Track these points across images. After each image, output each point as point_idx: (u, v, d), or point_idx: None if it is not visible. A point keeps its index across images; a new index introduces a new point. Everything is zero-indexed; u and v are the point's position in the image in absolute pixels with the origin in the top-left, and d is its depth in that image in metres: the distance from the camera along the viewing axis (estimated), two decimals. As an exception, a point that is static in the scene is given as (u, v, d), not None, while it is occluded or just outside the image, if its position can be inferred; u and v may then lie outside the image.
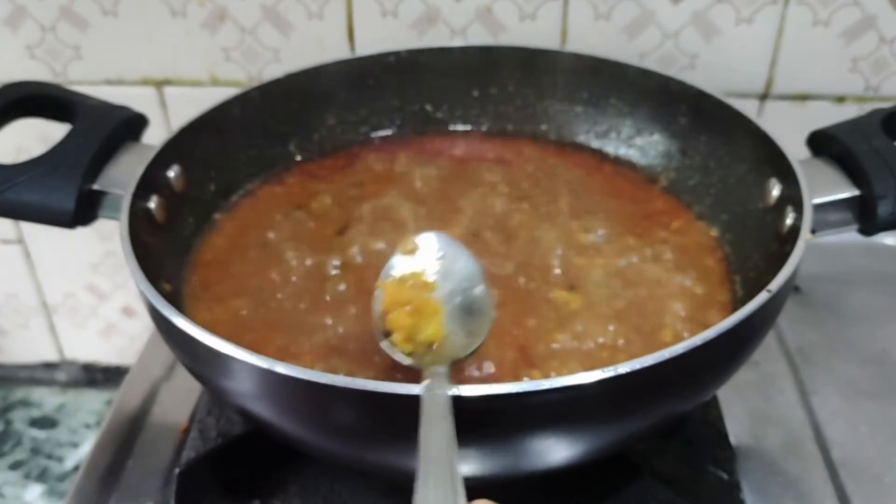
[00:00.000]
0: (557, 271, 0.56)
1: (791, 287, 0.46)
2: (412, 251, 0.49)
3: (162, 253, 0.54)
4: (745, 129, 0.58)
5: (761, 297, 0.42)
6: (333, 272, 0.56)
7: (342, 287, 0.55)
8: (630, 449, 0.54)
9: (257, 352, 0.39)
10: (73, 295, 0.96)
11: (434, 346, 0.44)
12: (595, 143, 0.70)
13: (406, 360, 0.44)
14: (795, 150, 0.55)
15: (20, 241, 0.91)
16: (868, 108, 0.61)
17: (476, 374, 0.48)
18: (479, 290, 0.47)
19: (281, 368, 0.38)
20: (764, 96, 0.76)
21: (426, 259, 0.48)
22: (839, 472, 0.56)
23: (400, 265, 0.48)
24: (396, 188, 0.64)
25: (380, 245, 0.58)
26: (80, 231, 0.56)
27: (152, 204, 0.55)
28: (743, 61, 0.74)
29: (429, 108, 0.72)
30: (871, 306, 0.71)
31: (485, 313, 0.47)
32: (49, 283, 0.95)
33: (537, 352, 0.50)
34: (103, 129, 0.56)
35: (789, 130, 0.56)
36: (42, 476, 0.89)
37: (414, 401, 0.37)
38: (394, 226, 0.60)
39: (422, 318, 0.45)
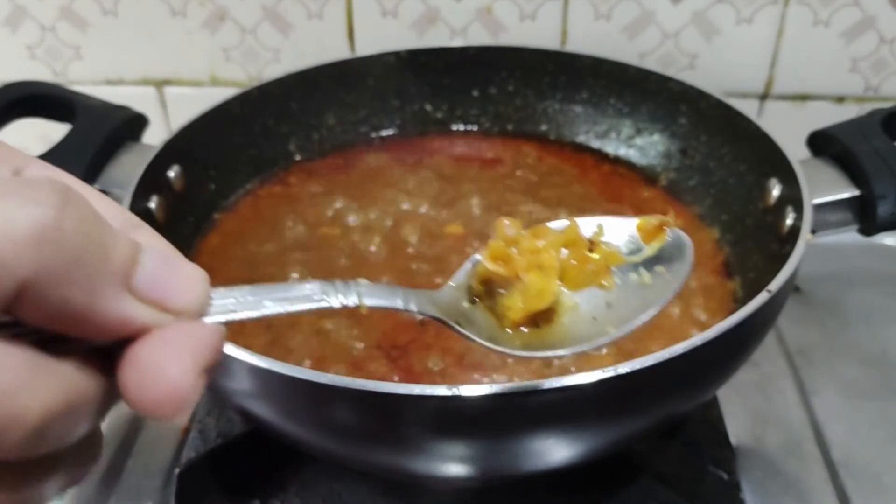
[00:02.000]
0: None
1: (791, 287, 0.46)
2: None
3: (162, 253, 0.54)
4: (745, 129, 0.58)
5: (761, 298, 0.42)
6: (334, 273, 0.56)
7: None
8: (630, 449, 0.54)
9: (256, 351, 0.39)
10: (73, 295, 0.96)
11: (538, 320, 0.33)
12: (595, 143, 0.70)
13: (483, 341, 0.33)
14: (795, 150, 0.55)
15: (20, 241, 0.91)
16: (868, 108, 0.61)
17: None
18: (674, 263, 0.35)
19: (281, 368, 0.38)
20: (764, 96, 0.76)
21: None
22: (839, 472, 0.56)
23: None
24: (396, 188, 0.64)
25: (379, 246, 0.58)
26: (80, 231, 0.56)
27: (152, 204, 0.55)
28: (743, 61, 0.74)
29: (429, 108, 0.72)
30: (871, 306, 0.71)
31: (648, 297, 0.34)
32: (49, 283, 0.95)
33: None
34: (103, 129, 0.56)
35: (789, 130, 0.56)
36: (42, 476, 0.89)
37: (414, 401, 0.37)
38: (395, 226, 0.60)
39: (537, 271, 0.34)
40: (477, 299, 0.35)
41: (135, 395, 0.23)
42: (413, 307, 0.32)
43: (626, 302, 0.34)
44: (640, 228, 0.35)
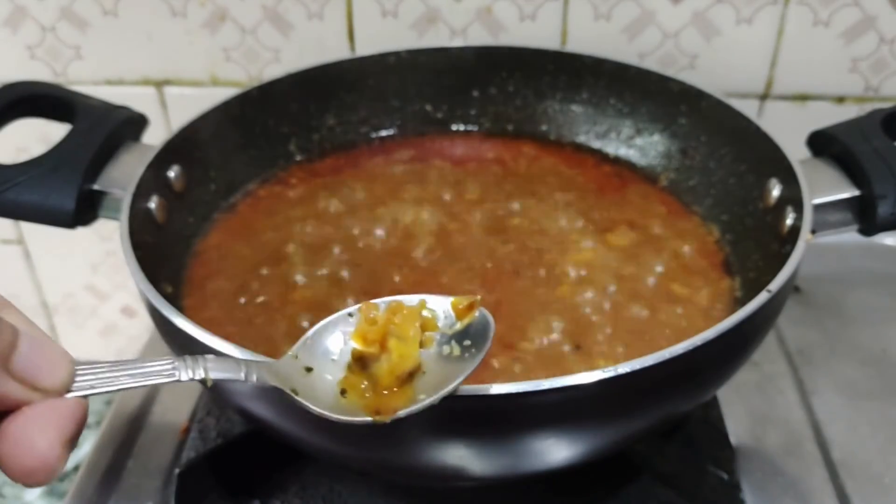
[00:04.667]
0: (555, 272, 0.56)
1: (791, 287, 0.46)
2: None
3: (162, 253, 0.54)
4: (745, 129, 0.58)
5: (761, 297, 0.42)
6: (334, 273, 0.56)
7: (342, 287, 0.55)
8: (630, 449, 0.54)
9: (257, 351, 0.39)
10: (73, 295, 0.96)
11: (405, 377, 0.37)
12: (595, 144, 0.70)
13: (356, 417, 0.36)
14: (795, 150, 0.55)
15: (20, 241, 0.91)
16: (868, 108, 0.61)
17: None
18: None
19: (281, 368, 0.38)
20: (764, 96, 0.76)
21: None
22: (839, 472, 0.56)
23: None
24: (396, 188, 0.64)
25: (379, 245, 0.58)
26: (80, 231, 0.56)
27: (152, 204, 0.55)
28: (743, 61, 0.74)
29: (429, 108, 0.72)
30: (871, 306, 0.71)
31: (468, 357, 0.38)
32: (49, 283, 0.95)
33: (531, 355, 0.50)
34: (103, 129, 0.56)
35: (789, 130, 0.56)
36: (42, 476, 0.89)
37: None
38: (394, 226, 0.60)
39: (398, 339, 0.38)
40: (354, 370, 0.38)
41: (8, 465, 0.27)
42: (253, 378, 0.35)
43: (438, 370, 0.38)
44: (453, 306, 0.39)
